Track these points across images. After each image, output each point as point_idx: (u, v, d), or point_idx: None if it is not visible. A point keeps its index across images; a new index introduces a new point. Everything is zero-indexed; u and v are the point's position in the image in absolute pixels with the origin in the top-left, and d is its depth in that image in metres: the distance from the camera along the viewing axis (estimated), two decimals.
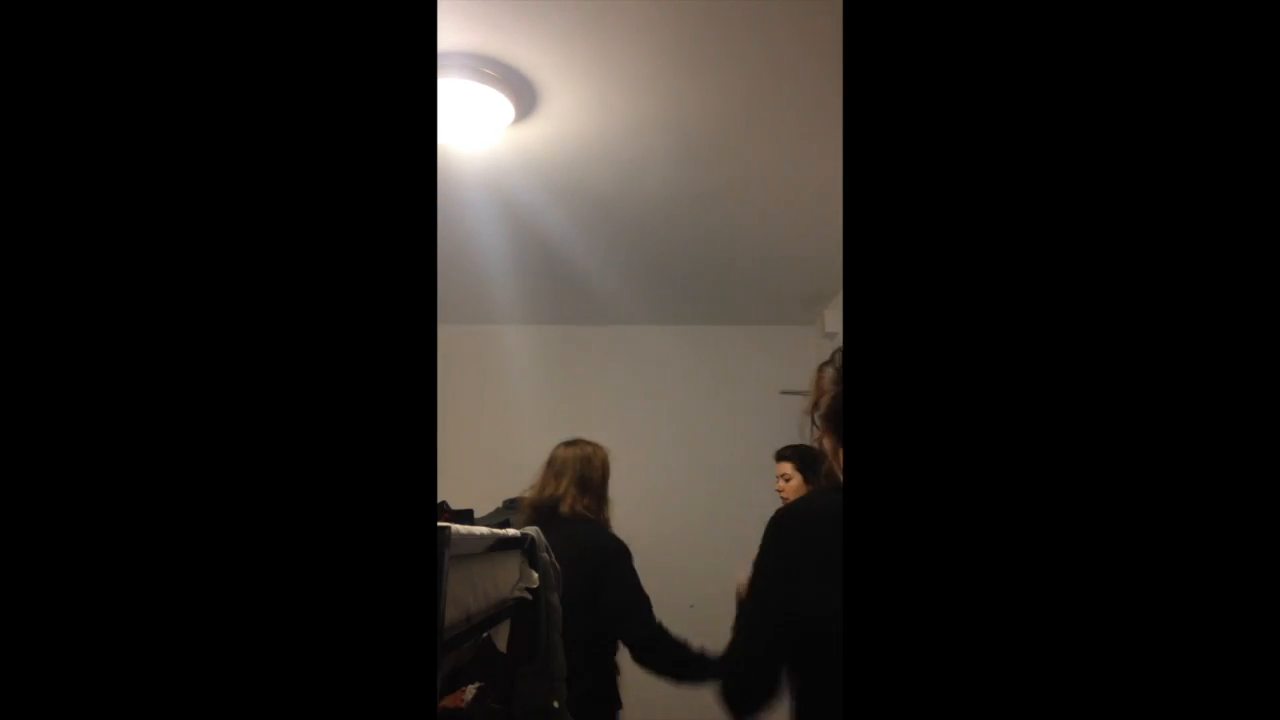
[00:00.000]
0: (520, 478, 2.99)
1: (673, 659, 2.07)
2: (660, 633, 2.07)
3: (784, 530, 1.12)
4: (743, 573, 1.36)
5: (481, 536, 1.17)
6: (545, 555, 1.53)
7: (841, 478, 1.32)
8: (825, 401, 1.18)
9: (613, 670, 2.13)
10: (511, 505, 3.19)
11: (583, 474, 2.16)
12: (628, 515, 2.37)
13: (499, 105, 1.93)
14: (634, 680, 2.19)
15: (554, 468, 2.20)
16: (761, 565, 1.12)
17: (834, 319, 3.56)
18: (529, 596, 1.43)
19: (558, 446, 2.27)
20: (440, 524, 1.00)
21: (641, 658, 2.09)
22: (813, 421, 1.20)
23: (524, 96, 1.95)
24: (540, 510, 2.12)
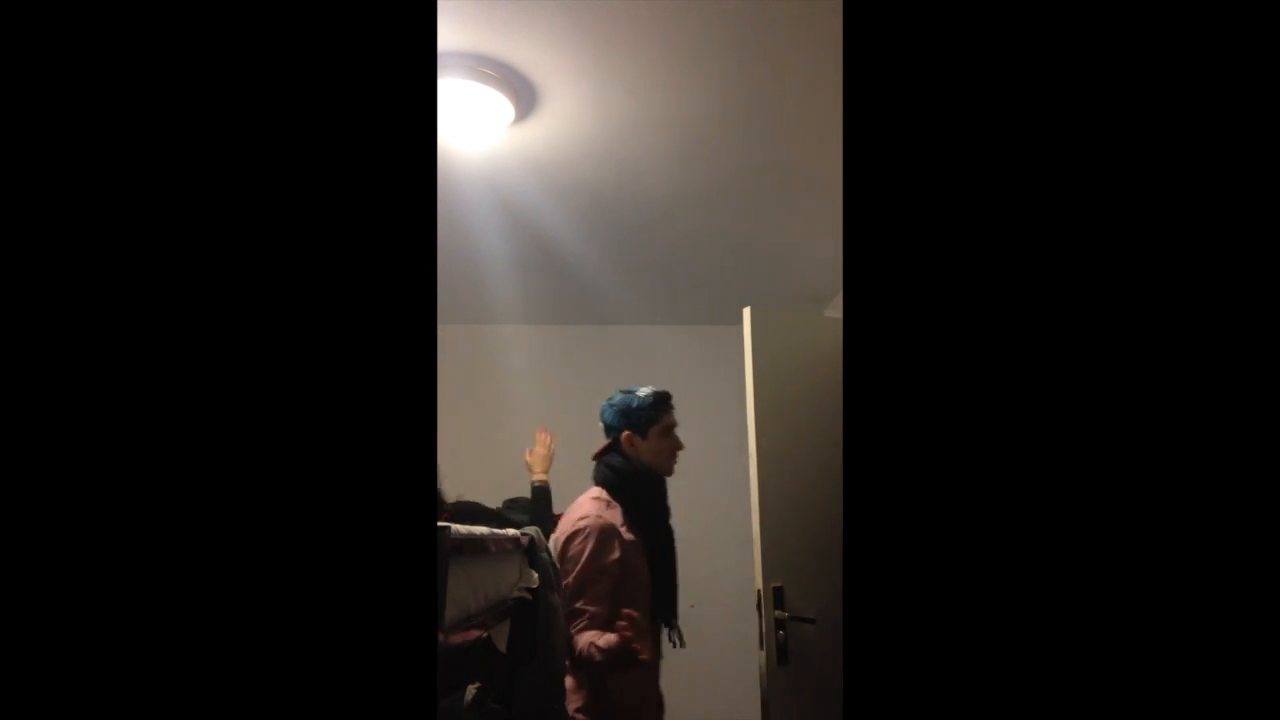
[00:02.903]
0: (520, 477, 2.98)
1: None
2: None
3: None
4: None
5: (481, 537, 1.17)
6: (545, 555, 1.53)
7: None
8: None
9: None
10: (512, 505, 3.18)
11: None
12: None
13: (499, 105, 1.93)
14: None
15: None
16: None
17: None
18: (529, 596, 1.43)
19: None
20: (440, 524, 0.99)
21: None
22: None
23: (524, 96, 1.95)
24: None
